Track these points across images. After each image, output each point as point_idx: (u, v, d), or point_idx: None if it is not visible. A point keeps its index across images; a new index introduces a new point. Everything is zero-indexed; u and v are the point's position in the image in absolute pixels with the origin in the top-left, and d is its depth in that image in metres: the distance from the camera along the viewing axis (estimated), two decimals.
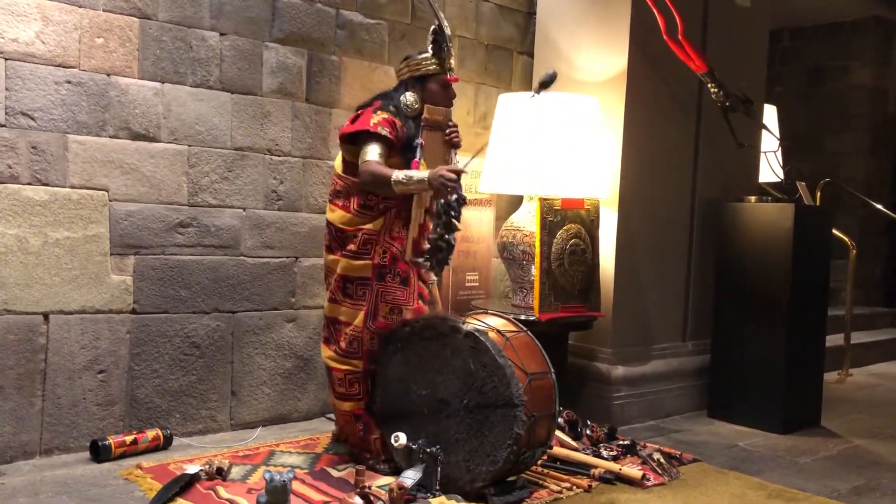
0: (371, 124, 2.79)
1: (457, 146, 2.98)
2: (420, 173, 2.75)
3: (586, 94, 3.69)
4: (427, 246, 2.90)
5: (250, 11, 3.29)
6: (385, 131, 2.80)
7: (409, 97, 2.91)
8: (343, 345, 2.88)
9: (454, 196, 2.85)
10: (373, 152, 2.77)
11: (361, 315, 2.85)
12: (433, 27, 2.96)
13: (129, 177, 3.04)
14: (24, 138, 2.81)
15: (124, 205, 3.03)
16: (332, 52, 3.55)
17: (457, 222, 2.92)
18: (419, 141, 2.87)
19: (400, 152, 2.87)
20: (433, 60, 2.95)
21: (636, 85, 3.82)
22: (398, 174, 2.74)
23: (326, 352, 2.95)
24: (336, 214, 2.91)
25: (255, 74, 3.33)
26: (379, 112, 2.84)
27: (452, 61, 2.99)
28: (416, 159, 2.86)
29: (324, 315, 3.01)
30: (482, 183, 3.69)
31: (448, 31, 2.95)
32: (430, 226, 2.93)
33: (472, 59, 4.09)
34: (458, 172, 2.74)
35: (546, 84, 2.99)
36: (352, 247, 2.86)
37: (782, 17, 6.15)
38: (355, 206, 2.87)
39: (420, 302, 2.90)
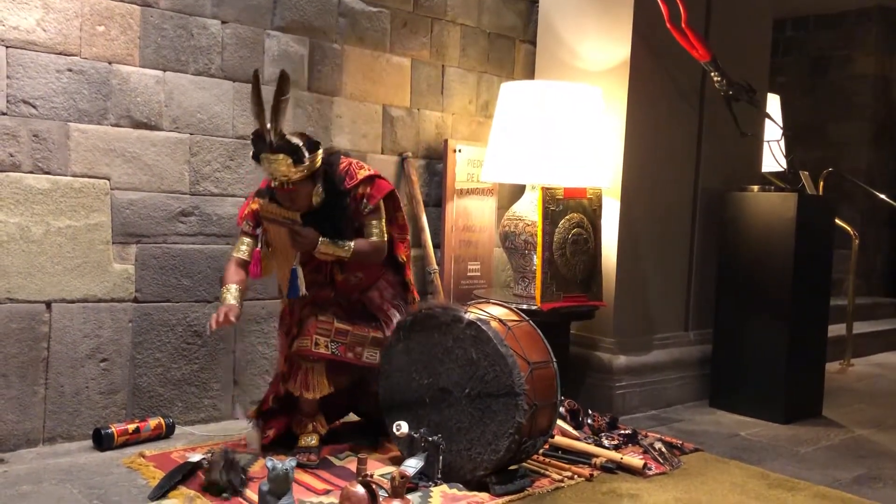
0: (241, 217, 2.88)
1: (297, 249, 2.74)
2: (228, 295, 2.72)
3: (589, 84, 3.67)
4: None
5: None
6: (248, 227, 2.85)
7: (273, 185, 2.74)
8: None
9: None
10: (240, 245, 2.85)
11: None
12: (253, 130, 2.63)
13: (130, 165, 3.03)
14: (25, 126, 2.80)
15: (126, 193, 3.03)
16: (334, 41, 3.53)
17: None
18: (258, 231, 2.84)
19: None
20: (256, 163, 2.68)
21: (639, 74, 3.80)
22: (225, 287, 2.76)
23: None
24: None
25: (257, 63, 3.31)
26: (253, 200, 2.84)
27: (282, 168, 2.59)
28: (257, 248, 2.85)
29: None
30: (484, 172, 3.68)
31: (273, 139, 2.56)
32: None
33: (473, 48, 4.07)
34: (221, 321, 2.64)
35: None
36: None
37: (786, 6, 6.12)
38: None
39: (283, 362, 2.89)
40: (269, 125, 2.58)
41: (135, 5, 3.00)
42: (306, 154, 2.62)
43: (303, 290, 2.79)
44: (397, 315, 2.99)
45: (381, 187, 2.87)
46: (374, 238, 2.87)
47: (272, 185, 2.70)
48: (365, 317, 2.98)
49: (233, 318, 2.67)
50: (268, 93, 3.33)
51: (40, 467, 2.69)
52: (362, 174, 2.85)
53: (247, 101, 3.28)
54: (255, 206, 2.84)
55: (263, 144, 2.61)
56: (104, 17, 2.94)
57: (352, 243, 2.81)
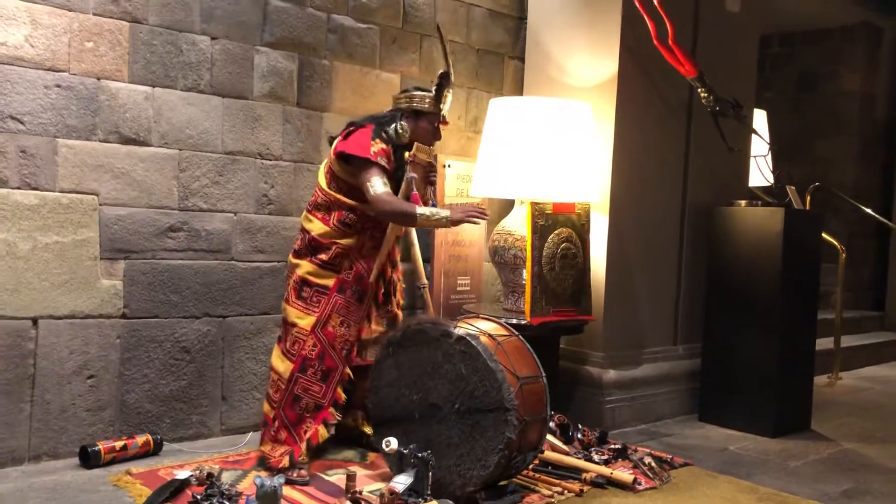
0: (371, 153, 2.87)
1: (433, 184, 3.14)
2: (443, 211, 2.94)
3: (577, 99, 3.70)
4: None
5: (241, 16, 3.29)
6: (383, 161, 2.91)
7: (403, 126, 3.00)
8: (287, 345, 2.96)
9: None
10: (381, 184, 2.86)
11: (312, 319, 2.93)
12: (442, 71, 3.05)
13: (119, 181, 3.02)
14: (13, 142, 2.79)
15: (114, 209, 3.02)
16: (324, 57, 3.54)
17: None
18: (412, 175, 2.99)
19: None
20: (432, 100, 3.05)
21: (627, 90, 3.83)
22: (422, 210, 2.89)
23: (275, 351, 3.02)
24: (314, 225, 2.97)
25: (246, 79, 3.32)
26: (376, 141, 2.92)
27: (447, 106, 3.09)
28: (414, 192, 2.99)
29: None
30: (474, 187, 3.69)
31: (453, 77, 3.07)
32: (398, 251, 3.20)
33: (463, 64, 4.09)
34: (482, 212, 3.00)
35: None
36: (323, 256, 2.95)
37: (772, 22, 6.18)
38: (335, 222, 2.95)
39: (367, 323, 3.08)
40: (451, 68, 3.05)
41: (124, 21, 3.00)
42: None
43: None
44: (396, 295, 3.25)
45: None
46: None
47: (443, 120, 3.07)
48: (378, 297, 3.11)
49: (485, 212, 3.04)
50: (259, 107, 3.36)
51: (25, 486, 2.66)
52: None
53: (236, 117, 3.30)
54: (386, 148, 2.94)
55: (448, 82, 3.04)
56: (93, 34, 2.94)
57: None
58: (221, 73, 3.25)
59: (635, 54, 3.84)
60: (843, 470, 3.35)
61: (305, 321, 2.92)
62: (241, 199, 3.33)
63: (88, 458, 2.84)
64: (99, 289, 3.00)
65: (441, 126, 3.12)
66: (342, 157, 2.92)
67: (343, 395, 2.98)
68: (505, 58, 4.29)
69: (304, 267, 2.95)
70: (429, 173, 3.12)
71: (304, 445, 2.87)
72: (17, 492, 2.60)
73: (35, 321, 2.86)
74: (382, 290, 3.12)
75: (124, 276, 3.05)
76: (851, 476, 3.27)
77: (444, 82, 3.05)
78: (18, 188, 2.81)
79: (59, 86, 2.88)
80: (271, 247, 3.42)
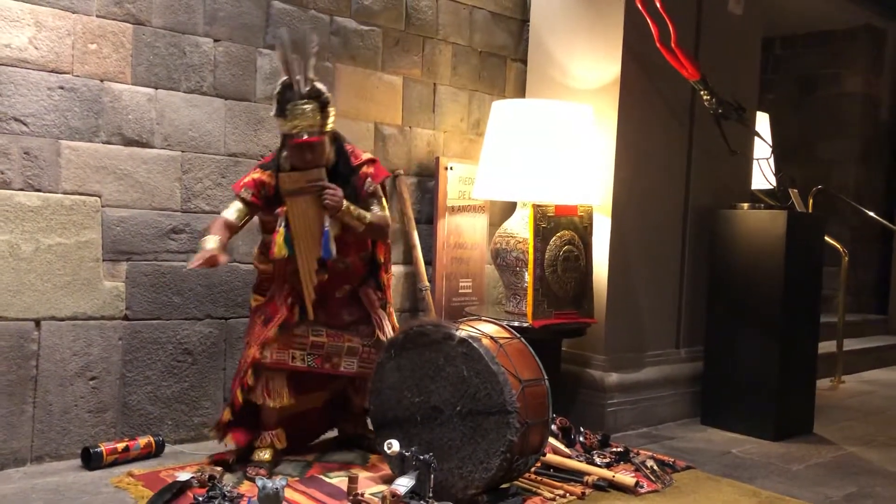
0: (240, 185, 2.85)
1: (328, 209, 2.75)
2: (208, 242, 2.68)
3: (580, 102, 3.70)
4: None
5: (244, 18, 3.29)
6: (248, 194, 2.81)
7: (282, 156, 2.84)
8: None
9: None
10: (231, 208, 2.84)
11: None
12: (283, 79, 2.71)
13: (121, 183, 3.03)
14: (16, 144, 2.80)
15: (117, 211, 3.03)
16: (326, 59, 3.55)
17: None
18: (278, 211, 2.81)
19: (272, 213, 2.87)
20: (278, 120, 2.75)
21: (629, 92, 3.83)
22: (206, 237, 2.72)
23: None
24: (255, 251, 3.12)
25: (249, 80, 3.32)
26: (257, 170, 2.87)
27: (309, 116, 2.70)
28: (277, 229, 2.81)
29: None
30: (476, 189, 3.70)
31: (303, 88, 2.67)
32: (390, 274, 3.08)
33: (465, 66, 4.09)
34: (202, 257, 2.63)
35: None
36: (256, 282, 3.06)
37: (774, 25, 6.18)
38: (259, 247, 3.05)
39: (260, 346, 2.82)
40: (299, 76, 2.67)
41: (127, 24, 3.01)
42: (330, 99, 2.76)
43: (333, 252, 2.79)
44: (386, 318, 3.07)
45: (382, 170, 3.01)
46: (383, 213, 2.97)
47: (296, 138, 2.71)
48: (343, 322, 3.02)
49: (220, 262, 2.65)
50: (262, 109, 3.36)
51: (28, 487, 2.66)
52: (366, 156, 2.99)
53: (239, 118, 3.30)
54: (263, 178, 2.83)
55: (292, 93, 2.68)
56: (96, 36, 2.95)
57: (368, 214, 2.88)
58: (224, 75, 3.26)
59: (638, 57, 3.84)
60: (845, 474, 3.34)
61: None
62: None
63: (90, 460, 2.84)
64: (101, 290, 3.00)
65: (308, 144, 2.70)
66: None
67: (226, 416, 2.87)
68: (507, 60, 4.29)
69: (252, 295, 3.08)
70: (321, 198, 2.75)
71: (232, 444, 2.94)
72: (19, 493, 2.60)
73: (37, 323, 2.87)
74: (297, 318, 2.89)
75: (126, 277, 3.05)
76: (854, 480, 3.26)
77: (284, 95, 2.69)
78: (21, 190, 2.81)
79: (62, 87, 2.89)
80: None
